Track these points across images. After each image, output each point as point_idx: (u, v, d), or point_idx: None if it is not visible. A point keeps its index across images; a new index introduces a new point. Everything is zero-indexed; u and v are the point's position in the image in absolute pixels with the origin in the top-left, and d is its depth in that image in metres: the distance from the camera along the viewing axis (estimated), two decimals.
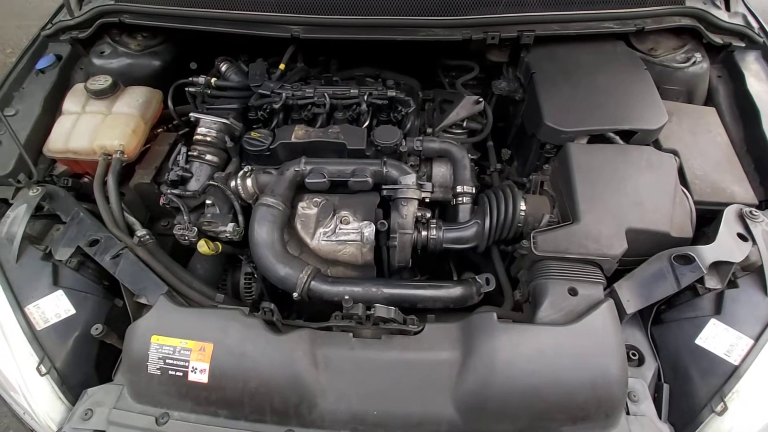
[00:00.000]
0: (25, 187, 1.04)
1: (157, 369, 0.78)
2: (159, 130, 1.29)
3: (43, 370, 0.84)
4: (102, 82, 1.19)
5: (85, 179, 1.20)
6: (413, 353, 0.79)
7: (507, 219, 0.99)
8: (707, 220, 1.00)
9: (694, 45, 1.26)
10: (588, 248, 0.89)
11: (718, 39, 1.23)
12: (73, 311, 0.92)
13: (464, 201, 1.03)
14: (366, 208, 0.96)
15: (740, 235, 0.91)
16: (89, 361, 0.91)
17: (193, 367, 0.77)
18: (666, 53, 1.25)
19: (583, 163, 0.99)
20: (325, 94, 1.09)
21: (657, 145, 1.11)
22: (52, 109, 1.22)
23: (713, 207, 1.00)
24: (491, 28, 1.13)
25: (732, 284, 0.89)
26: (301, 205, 0.98)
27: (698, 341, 0.85)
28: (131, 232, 1.03)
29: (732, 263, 0.87)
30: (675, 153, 1.08)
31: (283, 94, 1.09)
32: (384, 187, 0.99)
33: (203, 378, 0.76)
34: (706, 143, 1.12)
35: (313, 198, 0.98)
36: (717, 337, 0.84)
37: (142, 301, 0.90)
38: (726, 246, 0.89)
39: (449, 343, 0.79)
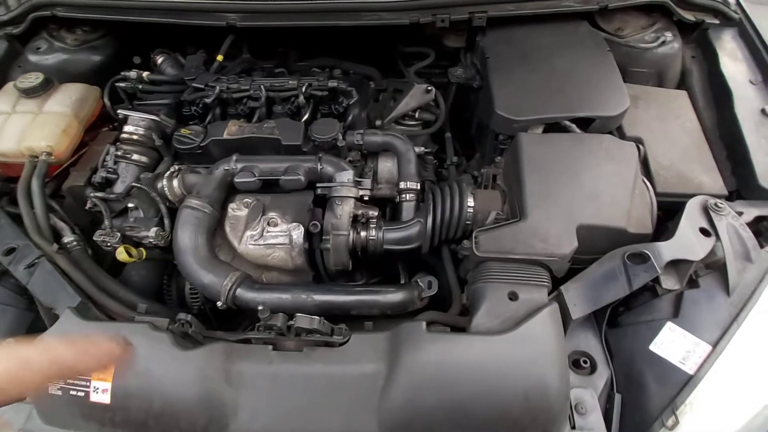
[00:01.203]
0: None
1: (59, 389, 0.72)
2: (104, 129, 1.24)
3: None
4: (32, 79, 1.13)
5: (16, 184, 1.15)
6: (336, 366, 0.73)
7: (453, 216, 0.92)
8: (673, 213, 0.93)
9: (665, 23, 1.16)
10: (535, 248, 0.81)
11: (689, 16, 1.14)
12: None
13: (407, 198, 0.96)
14: (296, 209, 0.89)
15: (702, 230, 0.83)
16: None
17: (94, 387, 0.71)
18: (634, 33, 1.16)
19: (534, 154, 0.91)
20: (262, 86, 1.02)
21: (620, 132, 1.03)
22: None
23: (679, 199, 0.92)
24: (440, 10, 1.05)
25: (693, 284, 0.82)
26: (231, 206, 0.92)
27: (652, 347, 0.78)
28: (58, 238, 0.97)
29: (692, 261, 0.79)
30: (639, 141, 1.00)
31: (217, 88, 1.02)
32: (318, 185, 0.92)
33: (105, 398, 0.70)
34: (674, 130, 1.04)
35: (243, 199, 0.92)
36: (673, 343, 0.77)
37: (57, 312, 0.84)
38: (686, 242, 0.81)
39: (375, 355, 0.73)
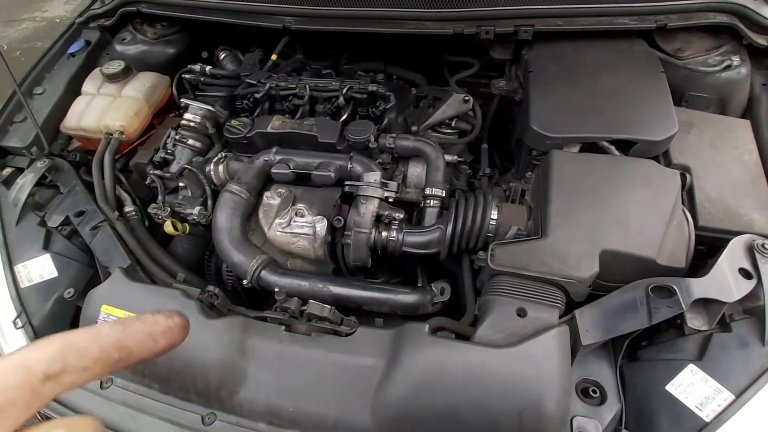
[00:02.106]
0: (36, 158, 1.15)
1: None
2: (171, 115, 1.38)
3: (19, 324, 0.93)
4: (115, 66, 1.28)
5: None
6: (339, 355, 0.76)
7: (474, 227, 0.92)
8: (717, 250, 0.86)
9: (733, 46, 1.08)
10: (551, 267, 0.80)
11: (762, 40, 1.04)
12: (55, 274, 1.01)
13: (431, 204, 0.98)
14: (323, 203, 0.94)
15: (743, 271, 0.77)
16: (64, 321, 0.99)
17: None
18: (696, 55, 1.08)
19: (565, 172, 0.89)
20: (307, 86, 1.08)
21: (667, 159, 0.97)
22: (74, 90, 1.33)
23: (724, 235, 0.85)
24: (485, 22, 1.06)
25: (725, 327, 0.76)
26: (266, 194, 0.99)
27: (669, 387, 0.73)
28: (121, 207, 1.10)
29: (724, 303, 0.74)
30: (686, 169, 0.94)
31: (267, 84, 1.10)
32: (346, 183, 0.96)
33: None
34: (729, 161, 0.96)
35: (277, 188, 0.99)
36: (692, 386, 0.72)
37: (111, 271, 0.96)
38: (721, 281, 0.75)
39: (378, 350, 0.76)
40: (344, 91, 1.06)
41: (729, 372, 0.71)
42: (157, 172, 1.07)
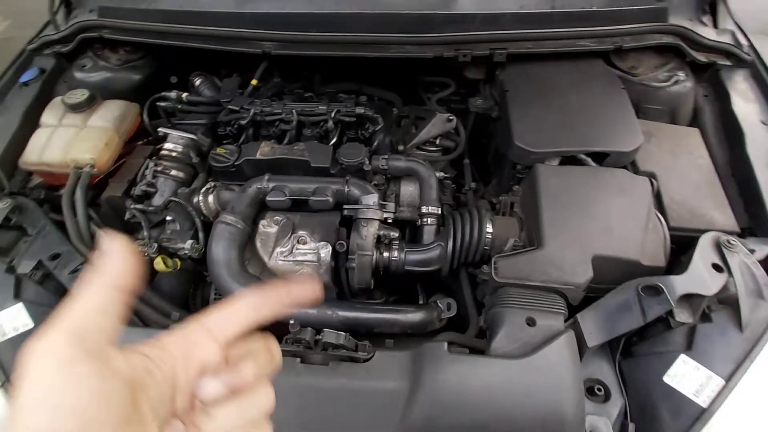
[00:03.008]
0: None
1: None
2: (140, 143, 1.31)
3: None
4: (79, 95, 1.20)
5: (60, 192, 1.21)
6: (360, 382, 0.76)
7: (472, 241, 0.96)
8: (686, 247, 0.96)
9: (678, 63, 1.22)
10: (551, 275, 0.85)
11: (702, 57, 1.19)
12: (31, 325, 0.91)
13: (429, 222, 1.01)
14: (324, 229, 0.94)
15: (715, 266, 0.86)
16: None
17: None
18: (648, 71, 1.21)
19: (551, 185, 0.95)
20: (293, 110, 1.08)
21: (634, 167, 1.07)
22: (31, 122, 1.23)
23: (691, 234, 0.95)
24: (463, 45, 1.12)
25: (706, 318, 0.85)
26: (262, 223, 0.97)
27: (666, 379, 0.80)
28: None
29: (704, 296, 0.82)
30: (653, 176, 1.04)
31: (252, 110, 1.09)
32: (345, 207, 0.97)
33: None
34: (687, 166, 1.08)
35: (274, 216, 0.97)
36: (686, 376, 0.79)
37: None
38: (698, 277, 0.84)
39: (398, 372, 0.76)
40: (332, 114, 1.07)
41: (715, 359, 0.79)
42: (139, 206, 1.01)
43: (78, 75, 1.32)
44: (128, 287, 0.32)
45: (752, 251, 0.89)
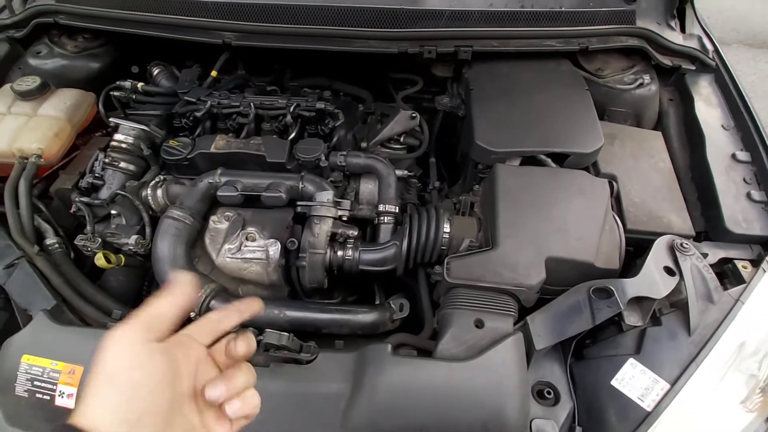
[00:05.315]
0: None
1: (25, 391, 0.73)
2: (96, 135, 1.26)
3: None
4: (29, 82, 1.15)
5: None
6: (301, 384, 0.74)
7: (429, 241, 0.94)
8: (643, 250, 0.95)
9: (644, 66, 1.22)
10: (503, 277, 0.84)
11: (667, 61, 1.19)
12: None
13: (385, 220, 0.99)
14: (275, 225, 0.91)
15: (667, 269, 0.85)
16: None
17: (60, 391, 0.71)
18: (614, 74, 1.21)
19: (509, 185, 0.94)
20: (251, 103, 1.05)
21: (596, 168, 1.06)
22: None
23: (648, 237, 0.95)
24: (428, 42, 1.10)
25: (656, 321, 0.84)
26: (212, 218, 0.94)
27: (614, 382, 0.79)
28: (41, 239, 0.99)
29: (654, 299, 0.82)
30: (613, 178, 1.03)
31: (208, 102, 1.05)
32: (298, 203, 0.94)
33: (70, 403, 0.71)
34: (647, 169, 1.07)
35: (225, 212, 0.94)
36: (633, 379, 0.78)
37: (32, 314, 0.85)
38: (650, 280, 0.83)
39: (341, 374, 0.74)
40: (291, 108, 1.04)
41: (663, 362, 0.78)
42: (84, 199, 0.97)
43: (32, 62, 1.27)
44: (187, 308, 0.45)
45: (705, 255, 0.89)
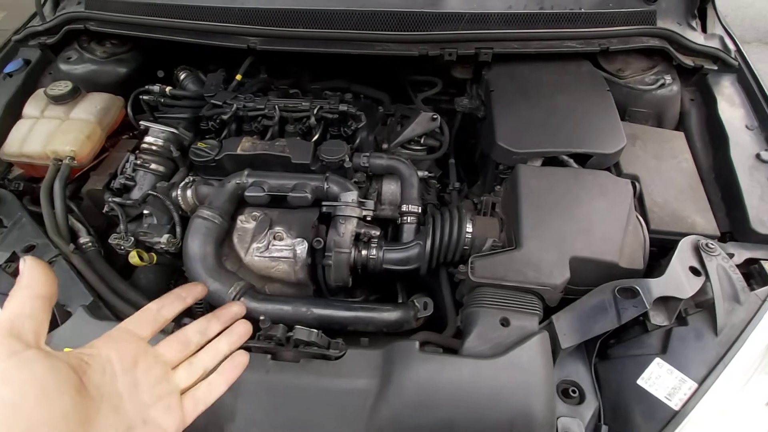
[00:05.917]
0: None
1: None
2: (125, 137, 1.30)
3: None
4: (62, 87, 1.19)
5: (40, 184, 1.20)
6: (330, 380, 0.75)
7: (452, 241, 0.95)
8: (666, 251, 0.95)
9: (665, 67, 1.21)
10: (527, 276, 0.84)
11: (689, 61, 1.18)
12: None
13: (408, 220, 1.00)
14: (302, 225, 0.93)
15: (693, 269, 0.85)
16: None
17: None
18: (635, 74, 1.21)
19: (531, 186, 0.95)
20: (276, 106, 1.07)
21: (618, 169, 1.06)
22: (14, 114, 1.22)
23: (672, 237, 0.95)
24: (448, 44, 1.11)
25: (682, 321, 0.84)
26: (240, 218, 0.96)
27: (640, 381, 0.79)
28: (75, 238, 1.02)
29: (680, 299, 0.82)
30: (636, 179, 1.03)
31: (234, 105, 1.08)
32: (323, 203, 0.96)
33: None
34: (670, 169, 1.07)
35: (252, 212, 0.96)
36: (660, 379, 0.78)
37: (70, 310, 0.88)
38: (675, 280, 0.83)
39: (369, 371, 0.75)
40: (315, 111, 1.06)
41: (690, 362, 0.78)
42: (117, 199, 1.00)
43: (63, 67, 1.31)
44: (48, 295, 0.41)
45: (731, 255, 0.89)
